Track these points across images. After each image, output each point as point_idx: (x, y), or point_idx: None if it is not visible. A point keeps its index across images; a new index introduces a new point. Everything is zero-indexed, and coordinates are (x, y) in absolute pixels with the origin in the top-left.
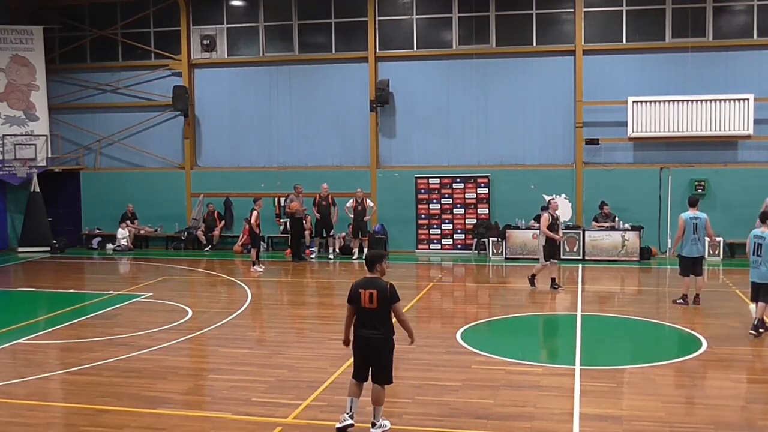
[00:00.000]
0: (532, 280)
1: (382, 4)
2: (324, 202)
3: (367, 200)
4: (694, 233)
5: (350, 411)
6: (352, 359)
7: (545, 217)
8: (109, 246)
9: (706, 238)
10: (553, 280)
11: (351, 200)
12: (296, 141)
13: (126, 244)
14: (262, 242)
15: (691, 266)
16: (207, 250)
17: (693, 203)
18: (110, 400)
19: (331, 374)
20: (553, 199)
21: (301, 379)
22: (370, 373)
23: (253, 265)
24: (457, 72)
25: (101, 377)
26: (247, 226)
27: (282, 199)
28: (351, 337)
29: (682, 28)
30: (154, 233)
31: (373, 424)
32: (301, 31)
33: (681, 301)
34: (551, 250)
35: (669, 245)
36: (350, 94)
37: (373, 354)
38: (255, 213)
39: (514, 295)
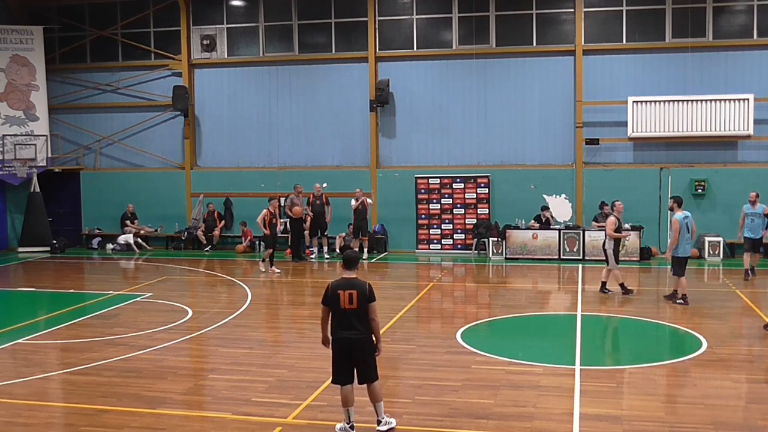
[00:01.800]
0: (603, 287)
1: (382, 4)
2: (318, 202)
3: (367, 199)
4: (687, 232)
5: (349, 421)
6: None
7: (612, 221)
8: (109, 246)
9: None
10: (622, 285)
11: (353, 200)
12: (296, 141)
13: (129, 242)
14: (262, 242)
15: (685, 265)
16: (207, 250)
17: (681, 203)
18: (110, 400)
19: (331, 374)
20: (617, 201)
21: (301, 379)
22: (355, 374)
23: (266, 266)
24: (457, 72)
25: (101, 377)
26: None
27: (282, 199)
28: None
29: (682, 28)
30: (154, 233)
31: (379, 422)
32: (301, 31)
33: (681, 300)
34: (617, 252)
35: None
36: (350, 94)
37: (357, 355)
38: (263, 211)
39: (514, 295)
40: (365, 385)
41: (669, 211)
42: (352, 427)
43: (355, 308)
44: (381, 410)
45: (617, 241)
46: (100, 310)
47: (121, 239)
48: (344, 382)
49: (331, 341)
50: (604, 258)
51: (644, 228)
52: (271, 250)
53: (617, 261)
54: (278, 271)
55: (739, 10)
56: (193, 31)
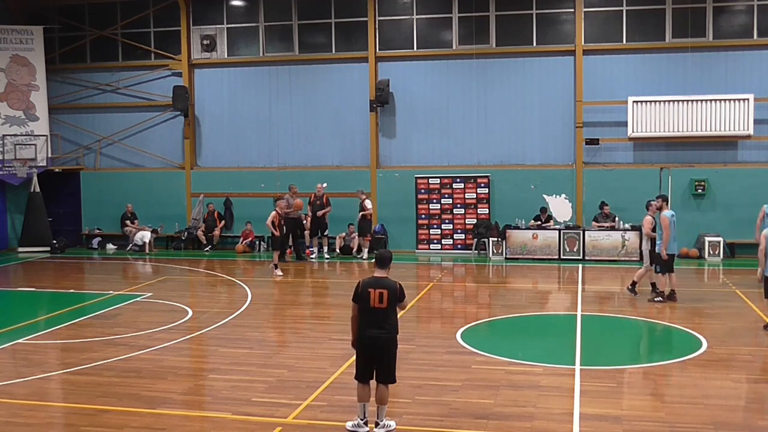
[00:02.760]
0: (633, 288)
1: (382, 4)
2: (318, 202)
3: (367, 201)
4: (674, 230)
5: (364, 417)
6: (354, 359)
7: (649, 220)
8: (110, 246)
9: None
10: (653, 285)
11: (366, 202)
12: (296, 141)
13: (146, 241)
14: (262, 242)
15: (672, 263)
16: (207, 250)
17: (667, 201)
18: (110, 400)
19: (331, 374)
20: (652, 200)
21: (301, 379)
22: (374, 373)
23: (275, 268)
24: (457, 72)
25: (101, 377)
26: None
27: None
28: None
29: (682, 28)
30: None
31: (377, 424)
32: (301, 31)
33: (660, 298)
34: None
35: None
36: (350, 94)
37: (380, 353)
38: (272, 213)
39: (514, 295)
40: (376, 385)
41: (657, 210)
42: (366, 423)
43: (385, 307)
44: (383, 414)
45: (653, 241)
46: (100, 310)
47: (138, 238)
48: (365, 379)
49: (357, 338)
50: (639, 258)
51: None
52: (279, 252)
53: (651, 263)
54: (280, 273)
55: (739, 10)
56: (193, 31)
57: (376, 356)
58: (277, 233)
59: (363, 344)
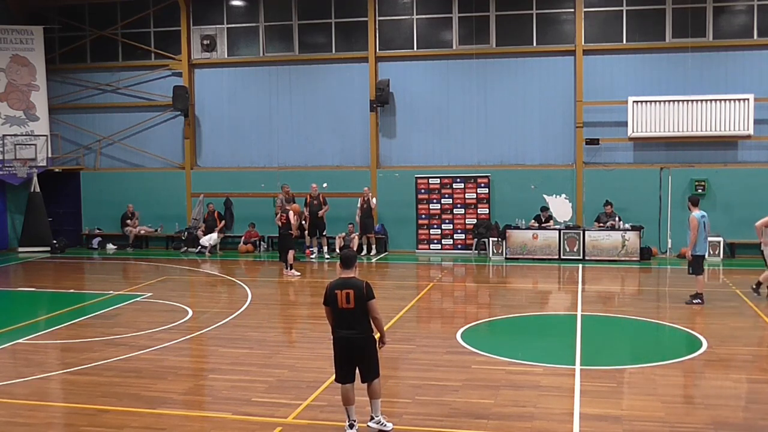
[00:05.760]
0: (757, 288)
1: (382, 4)
2: (315, 202)
3: (373, 199)
4: (704, 231)
5: (351, 419)
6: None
7: (765, 221)
8: (110, 246)
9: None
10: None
11: (360, 199)
12: (296, 141)
13: (213, 243)
14: (262, 242)
15: (702, 264)
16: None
17: (696, 202)
18: (110, 400)
19: (331, 374)
20: None
21: (301, 379)
22: (357, 372)
23: (290, 269)
24: (457, 72)
25: (101, 377)
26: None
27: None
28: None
29: (682, 28)
30: (154, 233)
31: (372, 418)
32: (301, 31)
33: (698, 300)
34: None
35: (669, 245)
36: (350, 94)
37: (358, 354)
38: (290, 213)
39: (514, 295)
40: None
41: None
42: (351, 426)
43: (352, 308)
44: (377, 408)
45: None
46: (100, 310)
47: (204, 240)
48: (344, 380)
49: (332, 340)
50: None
51: (644, 228)
52: (292, 252)
53: None
54: (297, 273)
55: (739, 10)
56: (193, 31)
57: (355, 357)
58: (292, 233)
59: (339, 345)
